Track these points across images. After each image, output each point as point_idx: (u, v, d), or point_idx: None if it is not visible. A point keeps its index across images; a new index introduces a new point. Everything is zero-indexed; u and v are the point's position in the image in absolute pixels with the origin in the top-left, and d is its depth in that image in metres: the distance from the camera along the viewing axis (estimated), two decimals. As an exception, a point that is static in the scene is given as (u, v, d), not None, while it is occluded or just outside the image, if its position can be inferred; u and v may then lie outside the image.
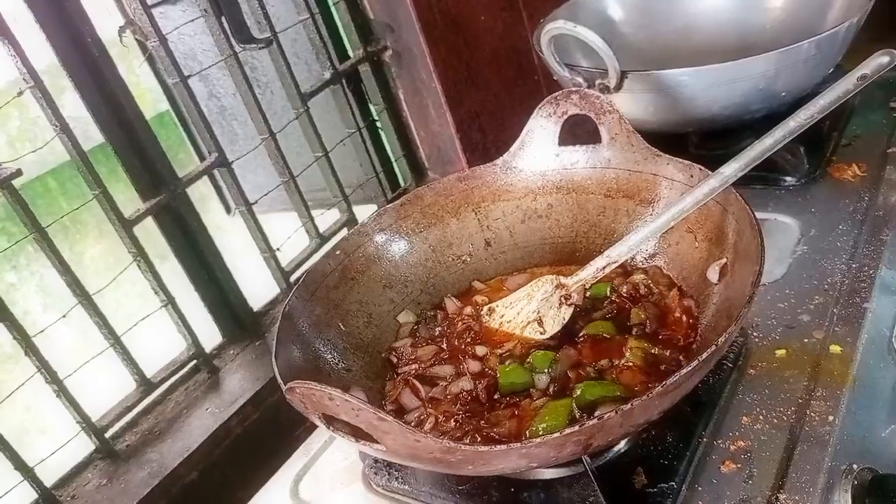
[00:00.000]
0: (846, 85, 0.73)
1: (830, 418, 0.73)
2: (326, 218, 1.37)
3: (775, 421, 0.74)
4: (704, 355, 0.57)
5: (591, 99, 0.89)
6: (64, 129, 0.95)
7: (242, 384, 1.07)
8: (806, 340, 0.82)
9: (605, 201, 0.92)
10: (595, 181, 0.93)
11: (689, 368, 0.57)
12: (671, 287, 0.82)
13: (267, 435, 1.03)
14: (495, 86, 1.51)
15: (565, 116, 0.92)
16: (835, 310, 0.84)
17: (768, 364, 0.80)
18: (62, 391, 0.91)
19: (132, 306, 1.08)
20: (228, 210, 1.75)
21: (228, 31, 1.15)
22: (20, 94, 0.95)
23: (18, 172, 0.89)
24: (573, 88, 0.91)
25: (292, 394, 0.58)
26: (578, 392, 0.70)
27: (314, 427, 0.91)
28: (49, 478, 0.93)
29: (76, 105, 1.02)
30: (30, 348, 0.89)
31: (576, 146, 0.94)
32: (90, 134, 1.06)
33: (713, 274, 0.78)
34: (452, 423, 0.75)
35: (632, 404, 0.56)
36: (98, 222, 2.14)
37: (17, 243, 0.93)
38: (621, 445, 0.74)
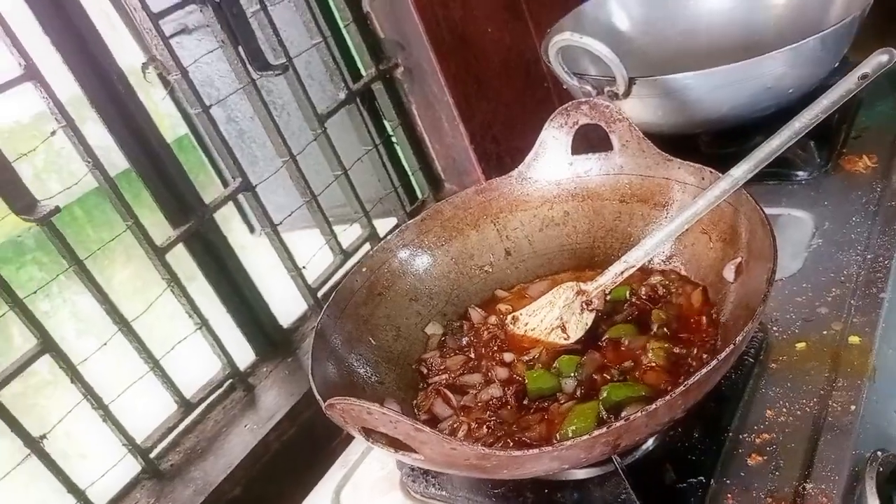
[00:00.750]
0: (847, 85, 0.76)
1: (852, 408, 0.74)
2: (349, 233, 1.41)
3: (798, 413, 0.76)
4: (724, 354, 0.60)
5: (600, 109, 0.92)
6: (97, 165, 0.99)
7: (278, 400, 1.10)
8: (825, 332, 0.83)
9: (620, 206, 0.95)
10: (609, 187, 0.96)
11: (710, 367, 0.59)
12: (689, 288, 0.85)
13: (304, 448, 1.06)
14: (506, 96, 1.54)
15: (576, 126, 0.95)
16: (852, 301, 0.86)
17: (789, 357, 0.82)
18: (108, 415, 0.95)
19: (164, 329, 1.12)
20: (252, 229, 1.79)
21: (245, 60, 1.19)
22: (53, 133, 0.99)
23: (56, 210, 0.93)
24: (583, 99, 0.94)
25: (332, 410, 0.61)
26: (605, 394, 0.72)
27: (350, 439, 0.94)
28: (98, 500, 0.97)
29: (98, 133, 1.06)
30: (76, 376, 0.93)
31: (588, 154, 0.96)
32: (113, 160, 1.10)
33: (729, 273, 0.80)
34: (485, 430, 0.77)
35: (656, 404, 0.58)
36: (125, 247, 2.19)
37: (57, 277, 0.97)
38: (649, 444, 0.76)
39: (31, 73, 0.93)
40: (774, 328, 0.86)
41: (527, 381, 0.80)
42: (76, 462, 1.09)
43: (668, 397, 0.58)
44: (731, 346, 0.60)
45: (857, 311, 0.85)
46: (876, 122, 1.15)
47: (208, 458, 1.01)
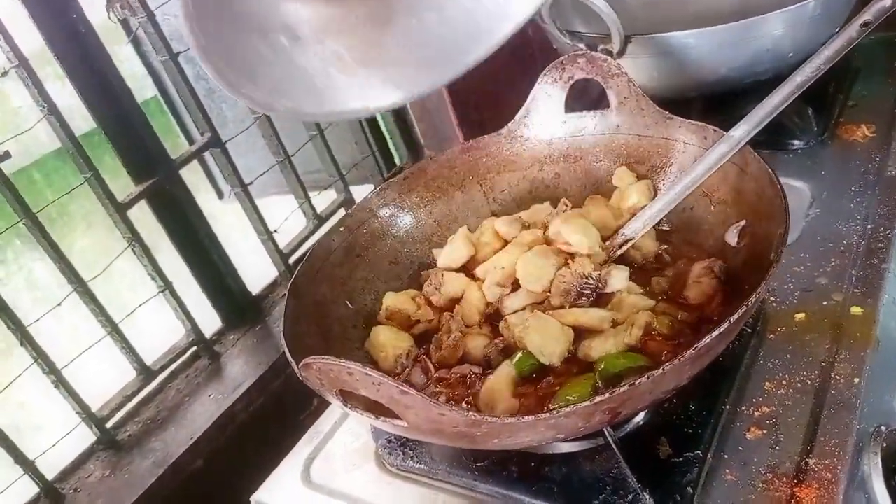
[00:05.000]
0: (849, 33, 0.71)
1: (856, 381, 0.71)
2: (323, 199, 1.34)
3: (799, 385, 0.72)
4: (735, 316, 0.55)
5: (598, 62, 0.86)
6: (52, 110, 0.91)
7: (245, 369, 1.04)
8: (825, 303, 0.80)
9: (615, 169, 0.90)
10: (604, 148, 0.90)
11: (721, 330, 0.55)
12: (689, 253, 0.80)
13: (272, 420, 1.00)
14: (491, 60, 1.47)
15: (571, 81, 0.89)
16: (853, 272, 0.83)
17: (788, 328, 0.78)
18: (60, 381, 0.88)
19: (126, 298, 1.05)
20: (221, 196, 1.71)
21: (216, 7, 1.11)
22: (5, 73, 0.91)
23: (6, 154, 0.85)
24: (579, 52, 0.88)
25: (308, 370, 0.55)
26: (602, 365, 0.67)
27: (320, 411, 0.88)
28: (50, 472, 0.90)
29: (59, 95, 0.98)
30: (25, 338, 0.86)
31: (583, 112, 0.91)
32: (75, 125, 1.02)
33: (732, 237, 0.75)
34: (464, 405, 0.72)
35: (663, 369, 0.54)
36: (86, 213, 2.09)
37: (8, 229, 0.89)
38: (640, 417, 0.72)
39: (-22, 6, 0.84)
40: (772, 298, 0.82)
41: (514, 363, 0.73)
42: (30, 434, 1.02)
43: (676, 362, 0.53)
44: (744, 308, 0.56)
45: (859, 281, 0.81)
46: (873, 92, 1.12)
47: (169, 428, 0.95)
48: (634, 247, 0.81)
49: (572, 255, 0.77)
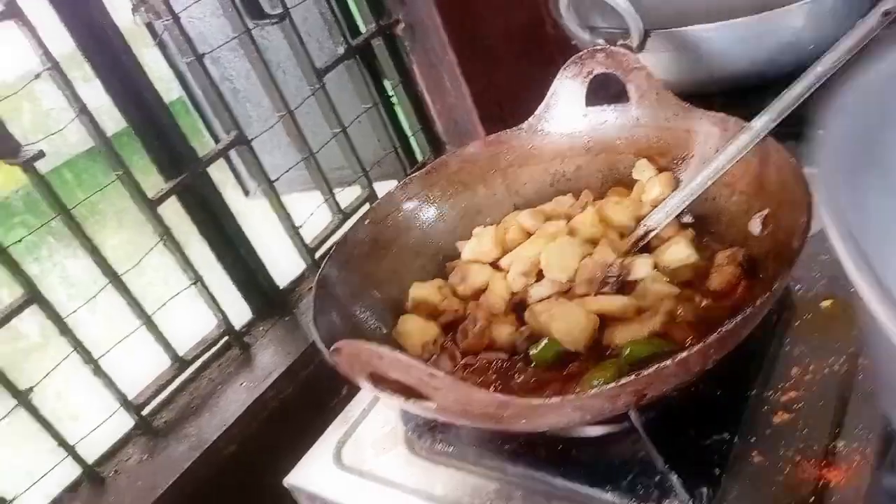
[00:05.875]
0: (871, 22, 0.72)
1: (882, 366, 0.71)
2: (347, 195, 1.36)
3: (826, 371, 0.73)
4: (760, 301, 0.56)
5: (617, 57, 0.88)
6: (84, 111, 0.94)
7: (274, 359, 1.06)
8: (852, 289, 0.80)
9: (636, 161, 0.91)
10: (625, 141, 0.91)
11: (746, 313, 0.56)
12: (712, 242, 0.81)
13: (302, 407, 1.02)
14: (510, 57, 1.49)
15: (591, 76, 0.90)
16: (877, 259, 0.83)
17: (814, 315, 0.79)
18: (98, 369, 0.91)
19: (159, 292, 1.08)
20: (246, 193, 1.74)
21: (240, 9, 1.14)
22: (38, 76, 0.94)
23: (41, 154, 0.88)
24: (598, 47, 0.89)
25: (339, 354, 0.57)
26: (627, 351, 0.68)
27: (350, 397, 0.90)
28: (89, 458, 0.93)
29: (87, 97, 1.01)
30: (64, 329, 0.89)
31: (603, 106, 0.92)
32: (104, 124, 1.05)
33: (755, 226, 0.76)
34: (491, 390, 0.73)
35: (688, 352, 0.55)
36: (115, 212, 2.14)
37: (44, 225, 0.92)
38: (668, 401, 0.73)
39: (13, 12, 0.87)
40: (798, 286, 0.83)
41: (531, 352, 0.74)
42: (68, 424, 1.05)
43: (701, 345, 0.55)
44: (768, 294, 0.57)
45: (883, 268, 0.81)
46: (897, 82, 1.11)
47: (203, 415, 0.98)
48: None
49: (595, 244, 0.78)
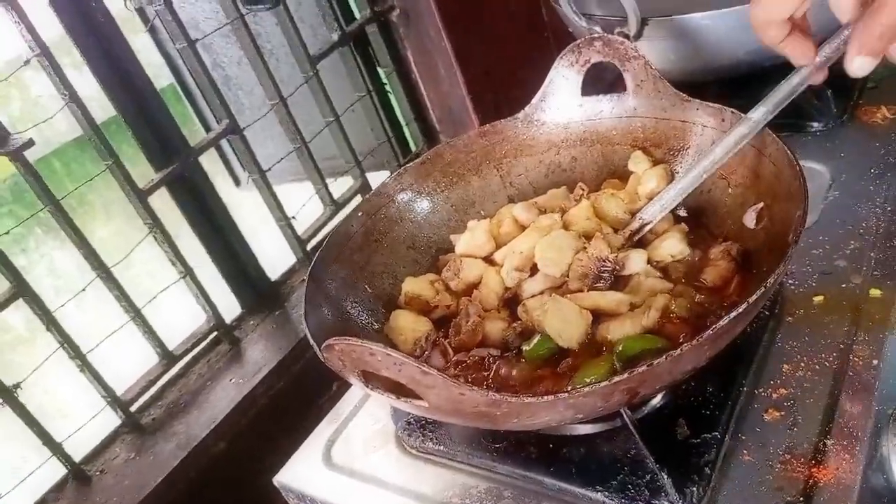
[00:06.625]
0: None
1: (874, 362, 0.71)
2: (340, 185, 1.35)
3: (817, 367, 0.72)
4: (754, 297, 0.55)
5: (614, 45, 0.86)
6: (73, 98, 0.92)
7: (265, 354, 1.05)
8: (844, 286, 0.80)
9: (632, 152, 0.89)
10: (621, 131, 0.90)
11: (740, 310, 0.55)
12: (707, 236, 0.80)
13: (293, 403, 1.02)
14: (505, 45, 1.47)
15: (588, 65, 0.89)
16: (872, 254, 0.82)
17: (806, 311, 0.78)
18: (86, 365, 0.90)
19: (148, 286, 1.07)
20: (238, 184, 1.73)
21: (233, -6, 1.12)
22: (27, 63, 0.92)
23: (30, 143, 0.87)
24: (595, 35, 0.88)
25: (330, 351, 0.56)
26: (620, 348, 0.68)
27: (340, 394, 0.90)
28: (76, 456, 0.92)
29: (77, 84, 0.99)
30: (51, 323, 0.88)
31: (599, 96, 0.91)
32: (94, 114, 1.04)
33: (750, 219, 0.75)
34: (483, 388, 0.72)
35: (681, 350, 0.54)
36: (104, 203, 2.12)
37: (33, 216, 0.91)
38: (658, 399, 0.72)
39: (-1, -6, 0.85)
40: (790, 281, 0.82)
41: (524, 349, 0.73)
42: (56, 421, 1.05)
43: (695, 342, 0.54)
44: (762, 289, 0.56)
45: (878, 263, 0.81)
46: (894, 73, 1.10)
47: (191, 411, 0.97)
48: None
49: (589, 238, 0.77)
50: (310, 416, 0.90)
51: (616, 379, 0.53)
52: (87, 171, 1.06)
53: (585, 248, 0.77)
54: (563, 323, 0.70)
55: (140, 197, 0.99)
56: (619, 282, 0.76)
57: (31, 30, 0.88)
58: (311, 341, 0.65)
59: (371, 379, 0.58)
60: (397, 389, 0.57)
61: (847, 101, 1.06)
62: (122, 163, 0.97)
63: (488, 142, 0.94)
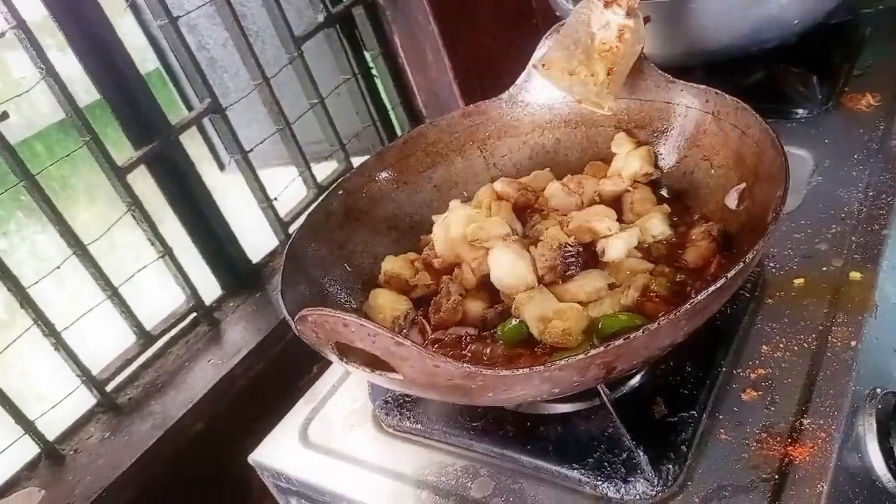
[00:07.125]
0: None
1: (853, 343, 0.71)
2: (324, 169, 1.34)
3: (796, 348, 0.72)
4: (732, 272, 0.55)
5: (599, 26, 0.85)
6: (50, 73, 0.91)
7: (244, 336, 1.04)
8: (825, 269, 0.79)
9: (616, 134, 0.89)
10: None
11: (718, 285, 0.54)
12: (689, 217, 0.80)
13: (272, 385, 1.01)
14: (493, 30, 1.46)
15: (573, 46, 0.88)
16: (853, 238, 0.82)
17: (786, 293, 0.78)
18: (60, 343, 0.89)
19: (129, 268, 1.06)
20: (222, 168, 1.71)
21: (217, -28, 1.11)
22: (2, 35, 0.90)
23: (5, 115, 0.85)
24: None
25: (304, 323, 0.55)
26: (599, 325, 0.67)
27: (319, 374, 0.89)
28: (49, 435, 0.91)
29: (61, 66, 0.98)
30: (24, 299, 0.86)
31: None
32: (79, 98, 1.02)
33: (732, 200, 0.75)
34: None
35: (658, 323, 0.54)
36: (88, 186, 2.09)
37: (7, 190, 0.89)
38: (636, 379, 0.72)
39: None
40: (771, 264, 0.82)
41: (499, 332, 0.72)
42: (32, 403, 1.03)
43: (672, 316, 0.53)
44: (741, 265, 0.55)
45: (859, 247, 0.81)
46: (880, 61, 1.10)
47: (169, 392, 0.96)
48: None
49: (536, 242, 0.75)
50: (289, 397, 0.89)
51: (592, 352, 0.53)
52: (70, 155, 1.05)
53: (536, 245, 0.75)
54: (543, 322, 0.69)
55: (119, 175, 0.97)
56: (598, 261, 0.76)
57: (7, 2, 0.87)
58: (286, 314, 0.64)
59: (346, 352, 0.57)
60: (373, 363, 0.57)
61: (832, 88, 1.06)
62: (102, 140, 0.96)
63: (472, 122, 0.93)
